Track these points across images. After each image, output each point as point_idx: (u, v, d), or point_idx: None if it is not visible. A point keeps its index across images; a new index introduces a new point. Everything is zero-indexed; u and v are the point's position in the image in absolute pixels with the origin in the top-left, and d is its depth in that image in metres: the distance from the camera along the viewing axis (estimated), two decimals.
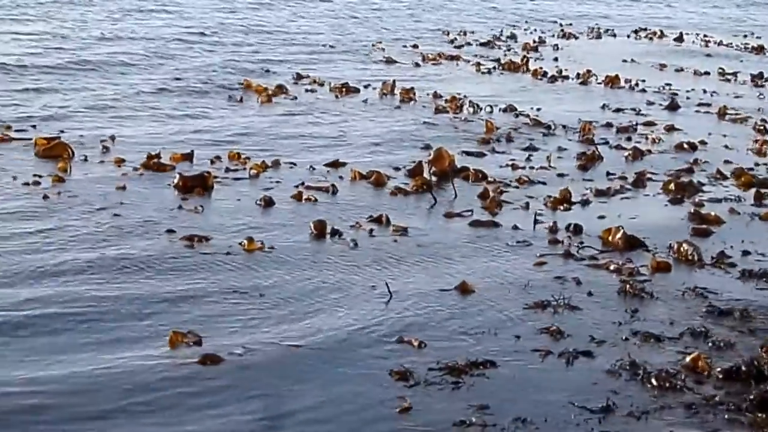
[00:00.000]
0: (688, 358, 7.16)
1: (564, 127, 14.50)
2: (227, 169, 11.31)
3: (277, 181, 11.02)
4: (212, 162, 11.48)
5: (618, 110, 16.10)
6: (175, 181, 10.53)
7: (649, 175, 12.12)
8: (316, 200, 10.42)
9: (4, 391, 6.28)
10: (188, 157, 11.47)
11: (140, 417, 6.17)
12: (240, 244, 8.94)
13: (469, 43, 22.52)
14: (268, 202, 10.19)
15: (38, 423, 6.04)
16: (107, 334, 7.16)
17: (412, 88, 16.21)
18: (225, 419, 6.18)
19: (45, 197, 9.96)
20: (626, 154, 13.15)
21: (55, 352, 6.85)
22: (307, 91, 16.06)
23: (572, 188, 11.20)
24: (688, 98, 17.56)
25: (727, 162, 12.99)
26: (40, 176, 10.55)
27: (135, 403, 6.30)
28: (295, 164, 11.69)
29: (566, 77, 18.97)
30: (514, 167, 12.19)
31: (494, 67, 19.59)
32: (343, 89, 16.12)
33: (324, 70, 17.80)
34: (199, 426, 6.10)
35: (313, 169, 11.54)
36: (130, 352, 6.89)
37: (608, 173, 12.18)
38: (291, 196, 10.46)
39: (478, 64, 19.75)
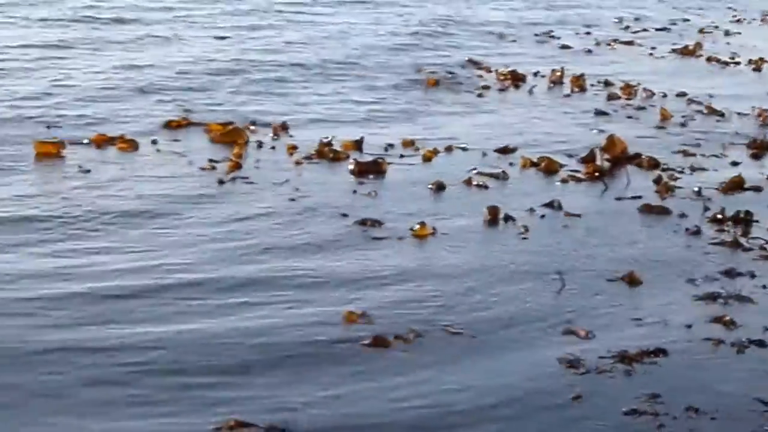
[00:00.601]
0: None
1: (738, 114, 14.31)
2: (401, 156, 11.48)
3: (450, 166, 11.15)
4: (385, 149, 11.65)
5: None
6: (351, 166, 10.76)
7: None
8: (486, 186, 10.52)
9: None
10: (358, 144, 11.67)
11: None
12: (411, 229, 9.12)
13: (645, 29, 22.25)
14: (439, 187, 10.33)
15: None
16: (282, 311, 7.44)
17: (583, 75, 16.14)
18: (372, 401, 6.34)
19: (220, 182, 10.26)
20: None
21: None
22: (476, 76, 16.11)
23: (745, 175, 11.08)
24: None
25: None
26: (215, 161, 10.88)
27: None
28: (466, 149, 11.80)
29: (738, 63, 18.65)
30: (686, 153, 12.11)
31: (669, 52, 19.36)
32: (511, 76, 16.12)
33: (495, 57, 17.80)
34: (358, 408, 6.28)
35: (485, 155, 11.64)
36: (304, 329, 7.15)
37: None
38: (463, 182, 10.59)
39: (653, 48, 19.55)
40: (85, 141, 11.23)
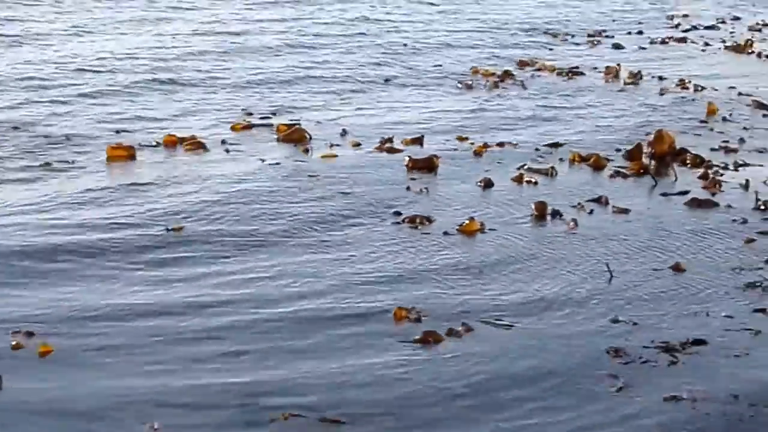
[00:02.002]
0: None
1: None
2: (453, 149, 11.75)
3: (499, 162, 11.39)
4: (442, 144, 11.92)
5: None
6: (405, 162, 11.07)
7: None
8: (536, 183, 10.76)
9: None
10: (418, 141, 11.97)
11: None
12: (460, 225, 9.38)
13: (695, 27, 22.28)
14: (488, 184, 10.59)
15: None
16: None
17: (639, 72, 16.27)
18: (441, 393, 6.61)
19: (287, 178, 10.61)
20: None
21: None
22: (533, 76, 16.28)
23: None
24: None
25: None
26: (280, 159, 11.26)
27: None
28: (516, 145, 12.04)
29: None
30: (728, 150, 12.20)
31: (719, 48, 19.42)
32: (569, 73, 16.28)
33: (548, 55, 17.96)
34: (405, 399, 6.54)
35: (537, 149, 11.87)
36: (357, 327, 7.44)
37: None
38: (512, 179, 10.83)
39: (706, 44, 19.62)
40: (155, 143, 11.60)
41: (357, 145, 11.83)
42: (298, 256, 8.67)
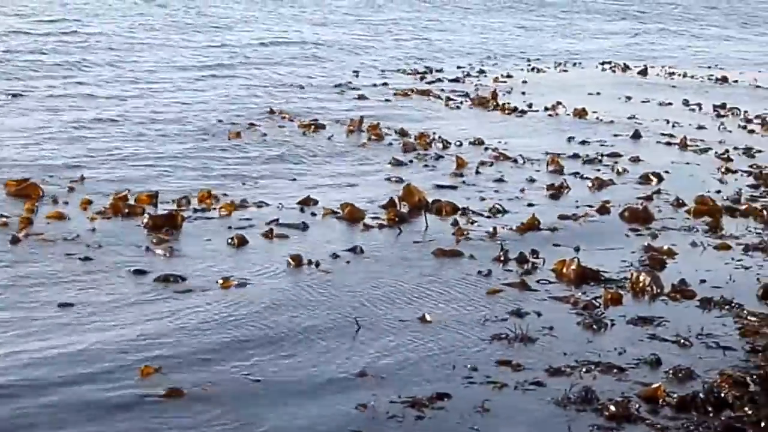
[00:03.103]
0: (644, 387, 7.33)
1: (531, 158, 14.73)
2: (195, 210, 11.43)
3: (248, 219, 11.17)
4: (179, 203, 11.56)
5: (584, 142, 16.35)
6: (145, 221, 10.69)
7: (613, 204, 12.35)
8: (288, 237, 10.58)
9: None
10: (154, 197, 11.57)
11: None
12: (216, 282, 9.15)
13: (439, 79, 22.73)
14: (241, 241, 10.35)
15: None
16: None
17: (379, 124, 16.41)
18: None
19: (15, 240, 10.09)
20: (590, 184, 13.41)
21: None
22: (278, 126, 16.23)
23: (539, 218, 11.43)
24: (649, 129, 17.84)
25: (688, 191, 13.24)
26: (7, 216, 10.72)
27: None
28: (265, 204, 11.85)
29: (535, 110, 19.24)
30: (481, 200, 12.40)
31: (463, 102, 19.81)
32: (312, 126, 16.32)
33: (296, 107, 17.98)
34: None
35: (282, 207, 11.70)
36: (101, 384, 7.10)
37: (576, 202, 12.43)
38: (262, 234, 10.62)
39: (448, 99, 19.99)
40: None
41: (88, 203, 11.36)
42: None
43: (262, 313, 8.54)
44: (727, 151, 16.24)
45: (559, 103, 19.60)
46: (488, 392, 7.30)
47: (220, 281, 9.16)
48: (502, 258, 10.20)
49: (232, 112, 17.07)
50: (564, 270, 9.86)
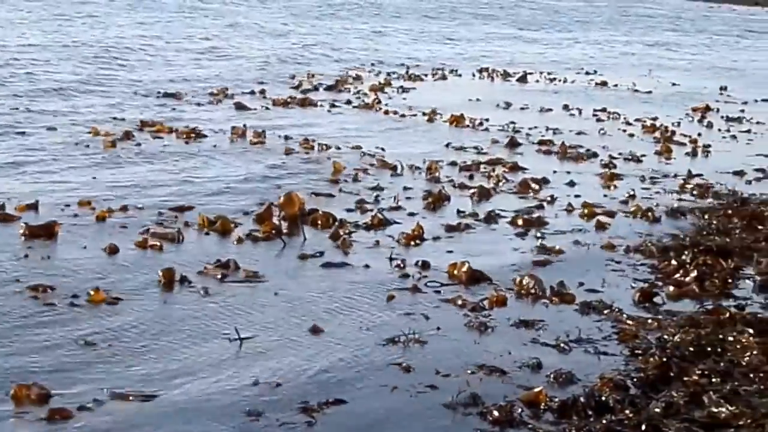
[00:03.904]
0: (527, 392, 7.30)
1: (411, 166, 14.71)
2: (75, 215, 11.17)
3: (124, 227, 10.91)
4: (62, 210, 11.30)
5: (462, 149, 16.43)
6: (21, 230, 10.39)
7: (497, 212, 12.36)
8: (161, 247, 10.33)
9: None
10: (33, 206, 11.29)
11: None
12: (87, 293, 8.84)
13: (316, 87, 22.72)
14: (113, 250, 10.09)
15: None
16: None
17: (263, 132, 16.30)
18: None
19: None
20: (471, 192, 13.40)
21: None
22: (153, 137, 15.98)
23: (422, 226, 11.36)
24: (529, 135, 18.01)
25: (570, 196, 13.37)
26: None
27: None
28: (142, 209, 11.61)
29: (413, 116, 19.31)
30: (363, 209, 12.29)
31: (342, 110, 19.81)
32: (192, 134, 16.12)
33: (170, 117, 17.74)
34: None
35: (161, 214, 11.47)
36: None
37: (458, 211, 12.41)
38: (136, 243, 10.36)
39: (331, 105, 19.98)
40: None
41: None
42: None
43: (141, 327, 8.27)
44: (611, 156, 16.48)
45: (436, 110, 19.69)
46: (381, 396, 7.22)
47: (92, 293, 8.86)
48: (391, 265, 10.14)
49: (107, 123, 16.76)
50: (455, 272, 9.86)
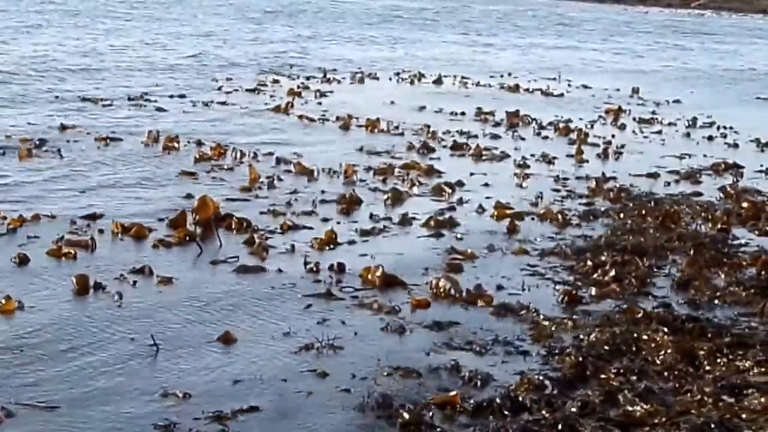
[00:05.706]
0: (441, 394, 7.31)
1: (326, 170, 14.67)
2: None
3: (36, 236, 10.74)
4: None
5: (378, 153, 16.42)
6: None
7: (411, 215, 12.37)
8: (75, 255, 10.19)
9: None
10: None
11: None
12: None
13: (236, 90, 22.66)
14: (24, 260, 9.94)
15: None
16: None
17: (177, 136, 16.17)
18: None
19: None
20: (386, 196, 13.40)
21: None
22: (69, 141, 15.78)
23: (337, 230, 11.34)
24: (443, 139, 18.06)
25: (485, 198, 13.42)
26: None
27: None
28: (55, 217, 11.46)
29: (327, 120, 19.29)
30: (276, 213, 12.22)
31: (260, 112, 19.76)
32: (107, 139, 15.97)
33: (89, 121, 17.56)
34: None
35: (74, 223, 11.32)
36: None
37: (371, 215, 12.40)
38: (48, 252, 10.22)
39: (246, 108, 19.93)
40: None
41: None
42: None
43: (51, 337, 8.14)
44: (523, 157, 16.59)
45: (351, 114, 19.68)
46: (296, 402, 7.19)
47: (2, 301, 8.71)
48: (307, 270, 10.11)
49: (19, 128, 16.52)
50: (369, 276, 9.86)
